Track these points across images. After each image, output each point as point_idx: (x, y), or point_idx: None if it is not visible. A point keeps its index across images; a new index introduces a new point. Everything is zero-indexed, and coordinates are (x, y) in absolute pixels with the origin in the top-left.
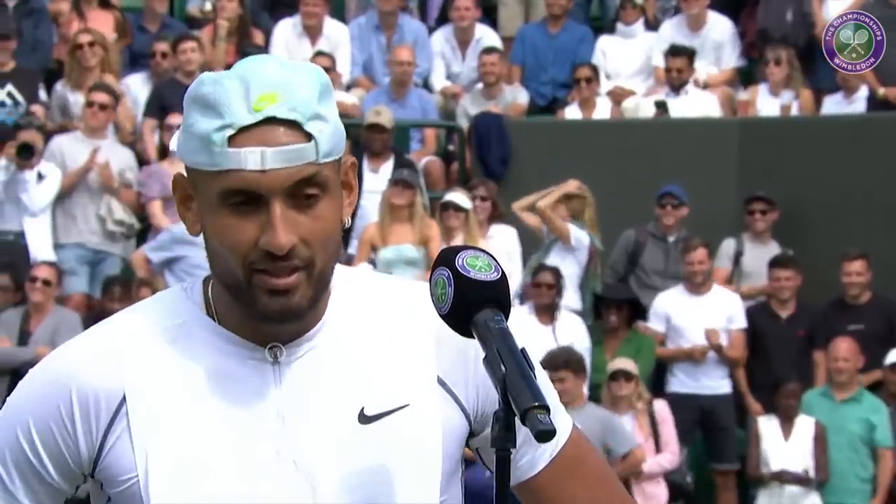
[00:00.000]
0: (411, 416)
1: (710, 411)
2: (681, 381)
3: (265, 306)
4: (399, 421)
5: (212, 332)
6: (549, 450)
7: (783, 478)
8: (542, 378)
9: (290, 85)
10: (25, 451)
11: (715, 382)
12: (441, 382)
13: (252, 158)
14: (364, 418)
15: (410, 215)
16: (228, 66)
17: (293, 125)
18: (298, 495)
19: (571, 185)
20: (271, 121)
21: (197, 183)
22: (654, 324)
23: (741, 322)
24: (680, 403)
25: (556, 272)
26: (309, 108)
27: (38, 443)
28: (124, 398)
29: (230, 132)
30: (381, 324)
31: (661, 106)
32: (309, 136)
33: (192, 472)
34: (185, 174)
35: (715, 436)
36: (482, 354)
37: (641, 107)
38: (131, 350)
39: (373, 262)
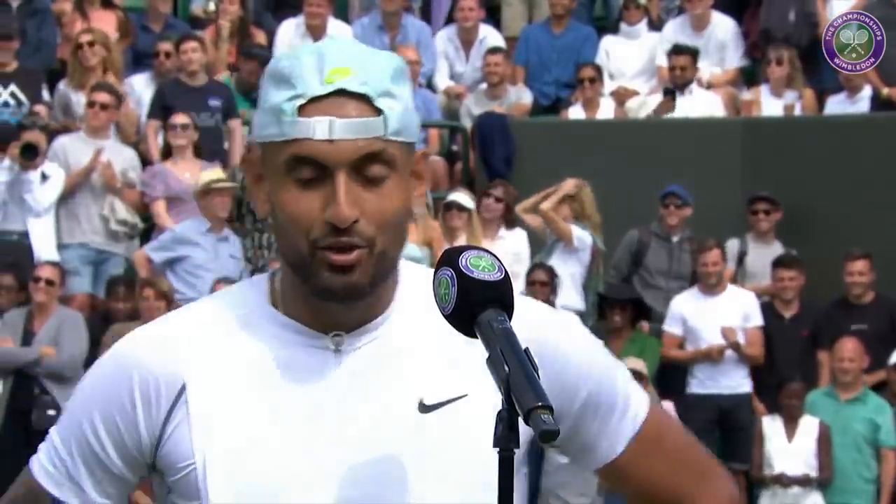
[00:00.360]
0: (470, 406)
1: (730, 411)
2: (700, 383)
3: (326, 282)
4: (458, 411)
5: (274, 321)
6: (629, 430)
7: (783, 481)
8: (616, 362)
9: (364, 61)
10: (89, 439)
11: (735, 382)
12: None
13: (320, 128)
14: (423, 407)
15: (414, 215)
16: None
17: (363, 99)
18: (355, 487)
19: (569, 185)
20: (342, 93)
21: (267, 158)
22: (671, 327)
23: (757, 320)
24: (699, 404)
25: (549, 270)
26: (381, 85)
27: (102, 429)
28: (185, 385)
29: (301, 101)
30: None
31: (670, 92)
32: (378, 112)
33: (249, 459)
34: (258, 154)
35: (734, 435)
36: (551, 354)
37: (645, 106)
38: (193, 338)
39: None
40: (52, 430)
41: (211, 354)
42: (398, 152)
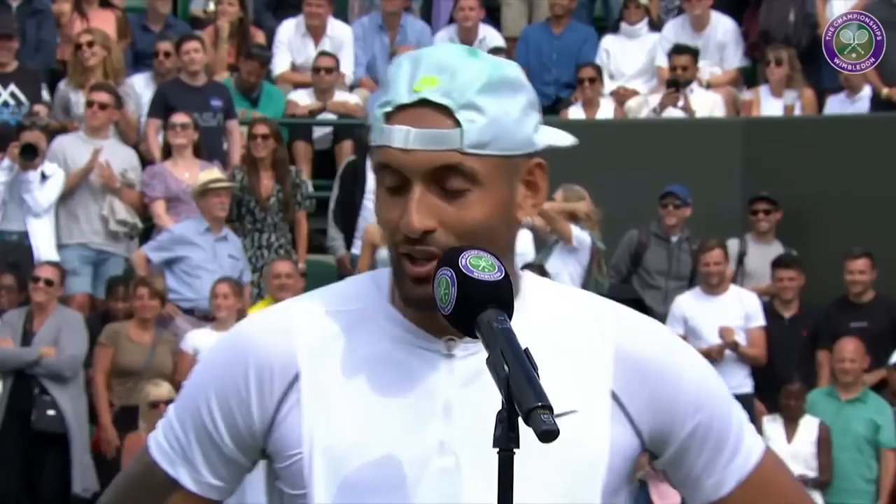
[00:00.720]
0: (578, 422)
1: None
2: None
3: (408, 292)
4: (565, 425)
5: (390, 318)
6: (738, 471)
7: None
8: (733, 401)
9: (455, 71)
10: (204, 419)
11: (735, 382)
12: (614, 396)
13: (398, 136)
14: None
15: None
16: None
17: (445, 110)
18: (457, 490)
19: (581, 208)
20: (426, 103)
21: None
22: (672, 327)
23: (760, 320)
24: None
25: (540, 269)
26: (464, 96)
27: (216, 410)
28: (298, 373)
29: (388, 109)
30: (561, 331)
31: (673, 84)
32: (458, 124)
33: (353, 458)
34: None
35: None
36: (662, 376)
37: (646, 106)
38: (310, 327)
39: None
40: (170, 408)
41: (326, 345)
42: (481, 166)
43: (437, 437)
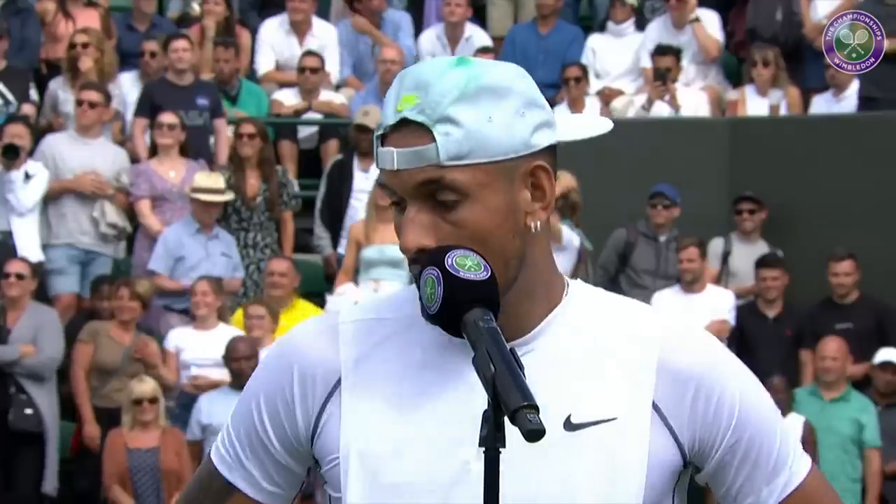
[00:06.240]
0: (618, 430)
1: None
2: None
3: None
4: (605, 433)
5: (428, 327)
6: (779, 491)
7: None
8: (781, 421)
9: (429, 86)
10: (256, 426)
11: None
12: (656, 408)
13: (386, 158)
14: (570, 425)
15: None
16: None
17: (422, 127)
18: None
19: (565, 184)
20: (407, 122)
21: None
22: None
23: (725, 315)
24: None
25: None
26: (436, 111)
27: (266, 417)
28: (340, 379)
29: (380, 132)
30: (604, 339)
31: (661, 77)
32: (435, 139)
33: (390, 461)
34: None
35: None
36: (704, 388)
37: (631, 106)
38: (353, 334)
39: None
40: (230, 415)
41: (368, 352)
42: (466, 176)
43: (473, 441)
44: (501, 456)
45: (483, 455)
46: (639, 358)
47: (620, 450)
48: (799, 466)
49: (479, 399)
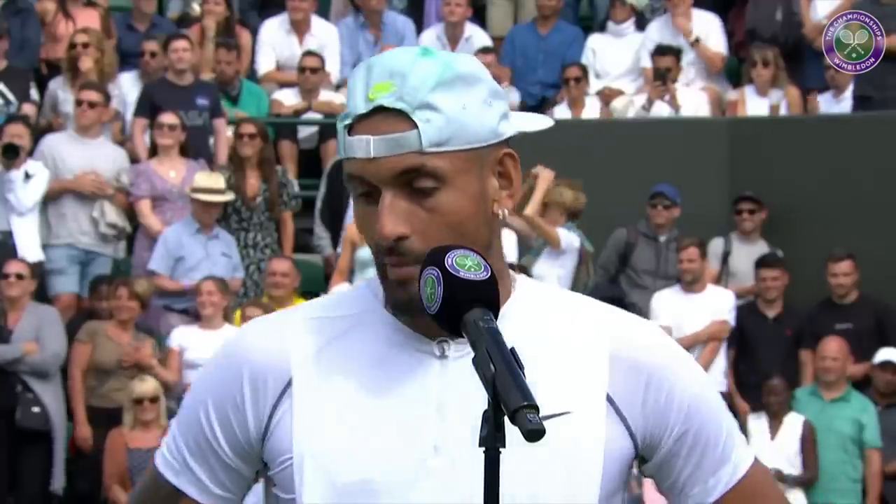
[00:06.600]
0: (572, 424)
1: None
2: None
3: (393, 296)
4: (558, 427)
5: (384, 323)
6: (724, 482)
7: None
8: (726, 412)
9: (406, 74)
10: (203, 428)
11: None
12: (609, 400)
13: (360, 146)
14: None
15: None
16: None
17: (401, 114)
18: (454, 493)
19: (545, 180)
20: (382, 110)
21: None
22: None
23: (725, 316)
24: None
25: (521, 270)
26: (417, 98)
27: (215, 419)
28: (291, 380)
29: (348, 121)
30: (556, 333)
31: (661, 76)
32: (415, 125)
33: (345, 460)
34: None
35: None
36: (655, 380)
37: (631, 106)
38: (303, 334)
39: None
40: (173, 420)
41: (320, 351)
42: (445, 163)
43: (430, 438)
44: (459, 456)
45: (484, 455)
46: (591, 351)
47: (577, 443)
48: (744, 458)
49: (432, 395)
